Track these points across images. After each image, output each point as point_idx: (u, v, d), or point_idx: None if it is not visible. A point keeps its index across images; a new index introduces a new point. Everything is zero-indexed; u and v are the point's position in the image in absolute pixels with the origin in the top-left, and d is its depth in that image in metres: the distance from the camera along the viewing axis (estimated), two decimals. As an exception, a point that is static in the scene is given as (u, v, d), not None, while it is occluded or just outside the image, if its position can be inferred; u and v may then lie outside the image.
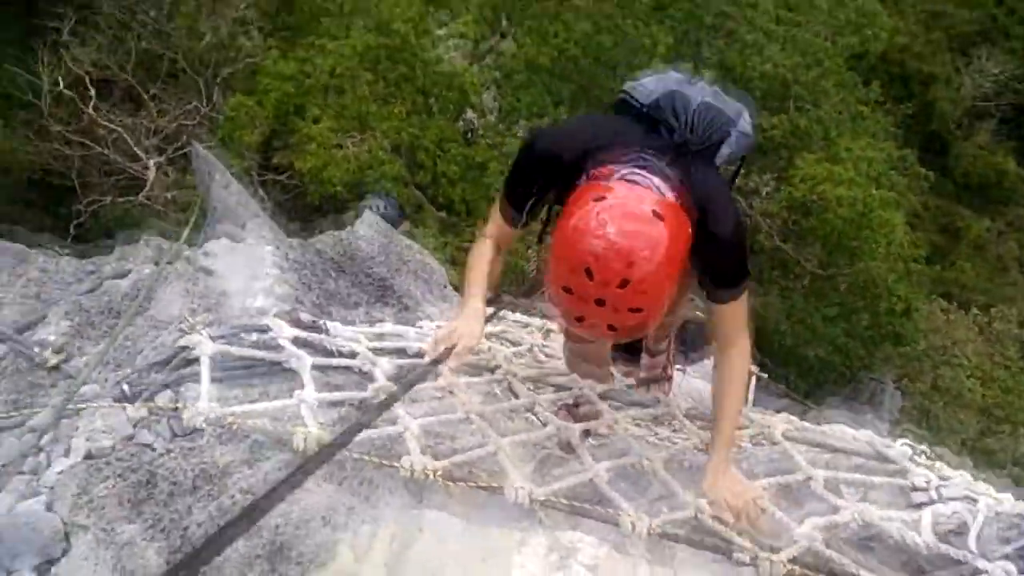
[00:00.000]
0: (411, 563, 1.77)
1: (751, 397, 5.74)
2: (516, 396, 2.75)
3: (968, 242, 24.57)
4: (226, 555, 1.73)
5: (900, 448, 2.58)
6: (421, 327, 3.41)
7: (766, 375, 8.84)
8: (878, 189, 13.02)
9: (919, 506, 2.29)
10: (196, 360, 2.38)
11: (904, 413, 15.71)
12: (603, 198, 1.79)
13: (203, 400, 2.19)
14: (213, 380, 2.33)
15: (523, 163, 2.14)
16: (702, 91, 2.22)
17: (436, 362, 2.06)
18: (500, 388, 2.84)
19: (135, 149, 12.93)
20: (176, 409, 2.19)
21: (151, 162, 12.89)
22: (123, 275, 2.98)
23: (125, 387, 2.28)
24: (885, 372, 15.81)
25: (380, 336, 3.04)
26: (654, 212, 1.77)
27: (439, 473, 2.03)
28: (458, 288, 4.24)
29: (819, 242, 13.37)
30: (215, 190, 4.61)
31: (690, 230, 1.88)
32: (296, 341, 2.68)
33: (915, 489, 2.35)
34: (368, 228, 3.79)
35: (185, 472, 1.97)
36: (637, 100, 2.18)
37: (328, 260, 3.52)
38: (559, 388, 2.94)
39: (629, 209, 1.77)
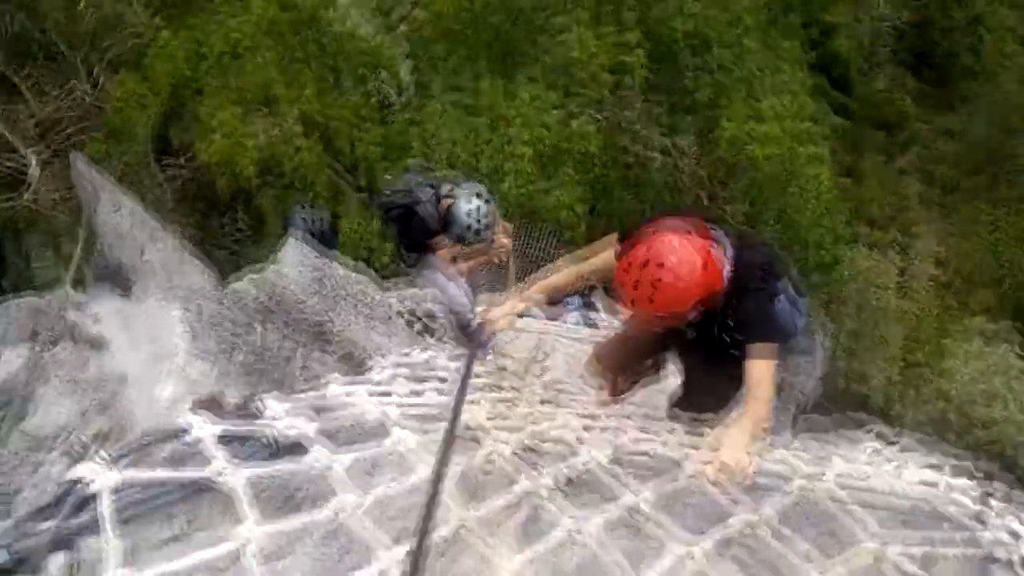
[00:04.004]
0: None
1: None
2: (511, 479, 2.26)
3: (874, 179, 25.24)
4: None
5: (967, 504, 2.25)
6: (372, 379, 2.89)
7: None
8: (801, 146, 12.91)
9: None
10: (94, 497, 1.79)
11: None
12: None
13: (109, 567, 1.61)
14: (120, 521, 1.76)
15: None
16: None
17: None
18: (487, 466, 2.34)
19: (11, 138, 11.67)
20: (71, 583, 1.62)
21: (32, 156, 11.66)
22: (-10, 361, 2.33)
23: (3, 552, 1.67)
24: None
25: (327, 408, 2.49)
26: (691, 247, 2.52)
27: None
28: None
29: (746, 201, 13.23)
30: (102, 215, 3.90)
31: (717, 272, 2.57)
32: (224, 439, 2.11)
33: (994, 560, 2.02)
34: (295, 261, 3.18)
35: None
36: None
37: (252, 309, 2.92)
38: (561, 453, 2.46)
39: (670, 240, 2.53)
